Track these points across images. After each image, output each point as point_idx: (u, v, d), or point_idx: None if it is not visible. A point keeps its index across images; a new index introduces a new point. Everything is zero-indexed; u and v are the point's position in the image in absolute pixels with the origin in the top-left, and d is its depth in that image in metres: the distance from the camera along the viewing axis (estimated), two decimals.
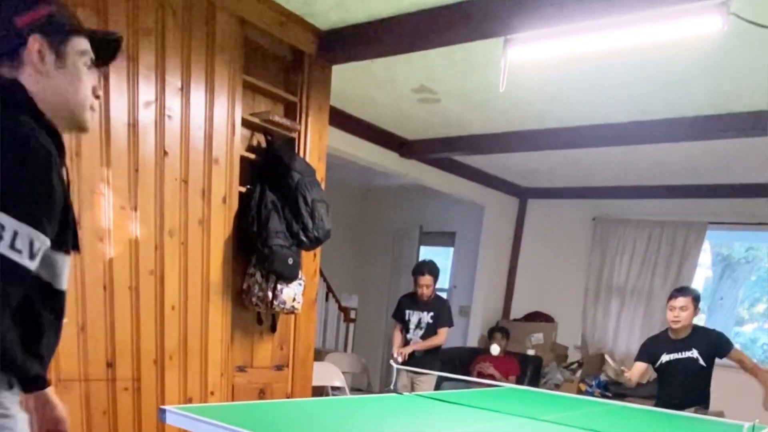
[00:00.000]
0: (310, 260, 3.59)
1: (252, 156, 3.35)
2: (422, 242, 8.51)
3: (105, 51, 1.50)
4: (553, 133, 5.12)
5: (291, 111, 3.59)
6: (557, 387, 6.64)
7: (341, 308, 7.52)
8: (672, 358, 4.30)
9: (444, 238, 8.67)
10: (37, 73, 1.36)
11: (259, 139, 3.45)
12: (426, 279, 5.07)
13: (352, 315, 7.53)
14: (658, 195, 6.80)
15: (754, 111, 4.22)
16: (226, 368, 3.18)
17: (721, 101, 4.15)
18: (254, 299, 3.20)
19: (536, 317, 7.61)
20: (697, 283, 6.74)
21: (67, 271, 1.43)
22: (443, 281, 9.08)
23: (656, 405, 4.39)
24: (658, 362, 4.37)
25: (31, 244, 1.24)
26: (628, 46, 3.23)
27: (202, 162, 3.05)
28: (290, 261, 3.16)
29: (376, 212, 9.09)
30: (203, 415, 2.01)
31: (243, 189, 3.26)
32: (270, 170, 3.28)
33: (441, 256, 9.11)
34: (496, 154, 5.90)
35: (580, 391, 6.33)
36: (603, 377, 6.91)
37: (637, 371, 4.45)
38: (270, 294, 3.18)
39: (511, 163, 6.54)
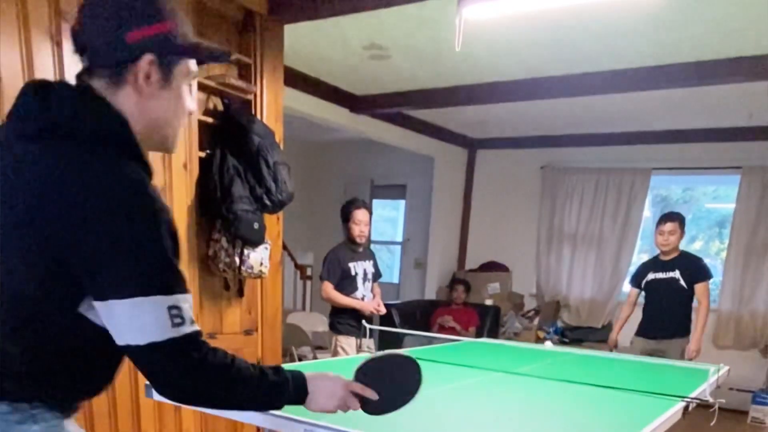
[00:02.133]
0: (274, 223, 3.60)
1: (210, 120, 3.30)
2: (373, 196, 8.57)
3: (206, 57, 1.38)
4: (503, 86, 5.17)
5: (245, 73, 3.53)
6: (516, 335, 6.87)
7: (297, 266, 7.55)
8: (656, 277, 4.64)
9: (395, 191, 8.75)
10: (138, 94, 1.24)
11: (216, 102, 3.40)
12: (364, 214, 4.37)
13: (308, 272, 7.58)
14: (604, 143, 6.97)
15: (695, 61, 4.36)
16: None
17: (664, 52, 4.26)
18: (221, 265, 3.21)
19: (491, 267, 7.78)
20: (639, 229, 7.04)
21: None
22: (394, 234, 9.21)
23: (639, 327, 4.72)
24: (644, 281, 4.70)
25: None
26: (576, 3, 3.28)
27: None
28: (256, 225, 3.17)
29: (326, 167, 9.06)
30: None
31: (203, 154, 3.23)
32: (229, 134, 3.25)
33: (392, 208, 9.21)
34: (445, 107, 5.96)
35: (538, 338, 6.60)
36: (560, 323, 7.22)
37: (630, 300, 4.87)
38: (237, 259, 3.19)
39: (461, 115, 6.59)
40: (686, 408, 2.37)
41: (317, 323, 6.04)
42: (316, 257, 7.68)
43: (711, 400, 2.43)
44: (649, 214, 7.28)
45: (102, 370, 1.32)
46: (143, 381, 2.11)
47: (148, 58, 1.21)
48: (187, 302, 1.21)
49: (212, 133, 3.31)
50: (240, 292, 3.50)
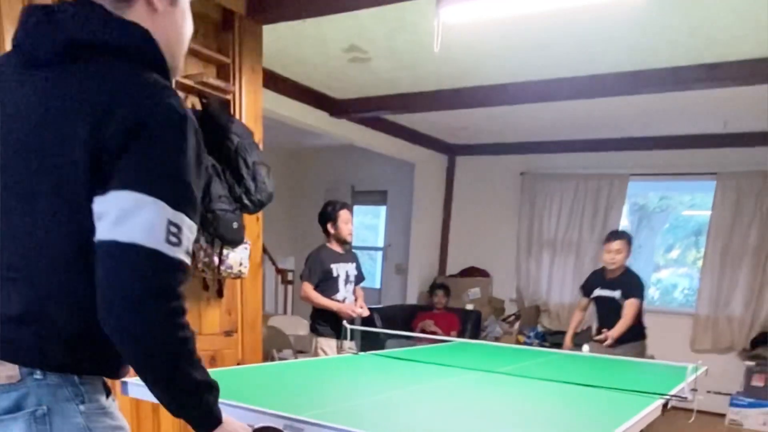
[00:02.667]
0: (254, 223, 3.57)
1: None
2: (354, 201, 8.57)
3: None
4: (482, 91, 5.20)
5: (224, 73, 3.51)
6: (497, 339, 6.90)
7: (278, 270, 7.53)
8: (601, 294, 4.78)
9: (376, 196, 8.76)
10: (151, 11, 1.21)
11: (194, 102, 3.38)
12: (348, 213, 4.36)
13: (290, 277, 7.55)
14: (582, 148, 7.04)
15: (671, 67, 4.41)
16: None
17: (641, 58, 4.31)
18: (200, 265, 3.17)
19: (472, 272, 7.82)
20: None
21: None
22: (375, 240, 9.21)
23: (595, 333, 4.83)
24: (592, 295, 4.85)
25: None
26: (555, 8, 3.31)
27: None
28: (235, 225, 3.14)
29: (307, 173, 9.07)
30: None
31: None
32: (208, 134, 3.19)
33: (373, 216, 9.21)
34: (425, 112, 5.97)
35: (518, 342, 6.63)
36: (540, 328, 7.26)
37: (580, 306, 5.03)
38: (216, 259, 3.16)
39: (440, 121, 6.62)
40: (665, 405, 2.40)
41: (299, 327, 6.01)
42: (297, 262, 7.67)
43: (689, 397, 2.45)
44: (627, 222, 7.35)
45: None
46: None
47: None
48: (191, 231, 1.14)
49: None
50: (219, 293, 3.47)
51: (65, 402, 1.15)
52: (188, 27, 1.31)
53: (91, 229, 1.09)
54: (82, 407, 1.17)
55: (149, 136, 1.09)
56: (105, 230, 1.07)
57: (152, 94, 1.12)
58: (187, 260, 1.14)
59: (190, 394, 1.20)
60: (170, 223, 1.09)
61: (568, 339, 5.05)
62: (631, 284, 4.72)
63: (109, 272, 1.07)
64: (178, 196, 1.11)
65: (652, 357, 4.63)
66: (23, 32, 1.20)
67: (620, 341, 4.57)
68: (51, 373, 1.15)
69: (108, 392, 1.26)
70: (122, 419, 1.29)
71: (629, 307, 4.64)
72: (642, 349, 4.70)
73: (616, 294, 4.69)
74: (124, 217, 1.06)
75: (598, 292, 4.82)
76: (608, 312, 4.72)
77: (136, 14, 1.19)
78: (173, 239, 1.09)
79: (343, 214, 4.33)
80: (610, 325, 4.64)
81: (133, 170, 1.08)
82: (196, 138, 1.16)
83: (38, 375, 1.14)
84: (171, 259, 1.10)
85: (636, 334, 4.69)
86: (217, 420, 1.25)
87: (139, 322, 1.09)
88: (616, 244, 4.66)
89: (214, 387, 1.24)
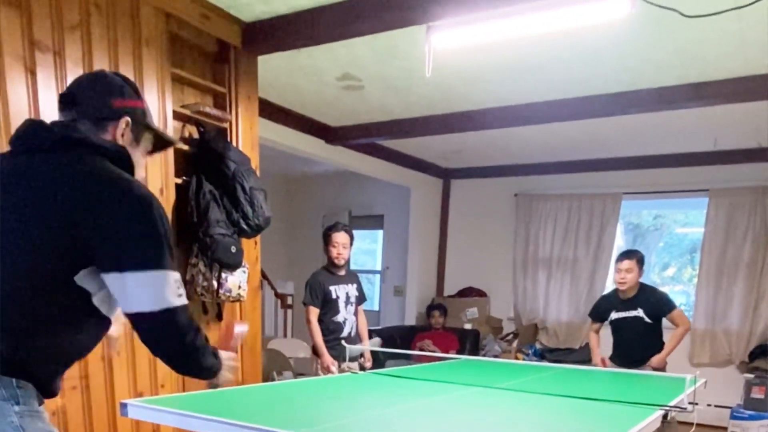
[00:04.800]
0: (251, 248, 3.64)
1: (185, 147, 3.37)
2: (352, 226, 8.59)
3: (159, 145, 1.80)
4: (474, 115, 5.28)
5: (221, 102, 3.61)
6: (496, 358, 6.91)
7: (277, 295, 7.56)
8: (620, 317, 4.64)
9: (373, 221, 8.82)
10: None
11: (191, 130, 3.47)
12: (343, 237, 4.37)
13: (289, 301, 7.58)
14: (575, 169, 7.12)
15: (657, 87, 4.49)
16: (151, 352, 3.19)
17: (627, 79, 4.39)
18: (199, 289, 3.23)
19: (469, 293, 7.86)
20: (612, 253, 7.15)
21: None
22: (373, 264, 9.25)
23: (612, 359, 4.73)
24: (609, 319, 4.72)
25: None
26: (543, 31, 3.40)
27: None
28: (233, 249, 3.21)
29: (305, 199, 9.15)
30: (167, 405, 2.04)
31: (179, 180, 3.28)
32: (205, 161, 3.31)
33: (371, 239, 9.26)
34: (418, 137, 6.06)
35: (517, 360, 6.63)
36: (538, 346, 7.28)
37: (594, 329, 4.92)
38: (215, 283, 3.22)
39: (434, 145, 6.71)
40: (665, 417, 2.42)
41: (299, 349, 6.05)
42: (296, 287, 7.71)
43: (689, 408, 2.48)
44: (621, 242, 7.42)
45: (83, 339, 1.59)
46: (119, 399, 2.14)
47: (126, 119, 1.63)
48: (180, 278, 1.55)
49: (188, 160, 3.37)
50: (219, 316, 3.52)
51: (1, 401, 1.39)
52: (140, 167, 1.71)
53: (45, 274, 1.45)
54: (16, 408, 1.40)
55: (137, 217, 1.47)
56: (137, 304, 1.48)
57: (128, 181, 1.53)
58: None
59: (211, 370, 1.70)
60: (176, 281, 1.52)
61: (598, 358, 4.82)
62: (657, 299, 4.61)
63: (154, 333, 1.54)
64: (172, 261, 1.52)
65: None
66: (20, 133, 1.61)
67: (643, 362, 4.51)
68: None
69: (41, 401, 1.52)
70: (53, 427, 1.55)
71: (679, 318, 4.56)
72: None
73: (639, 312, 4.56)
74: (147, 291, 1.47)
75: (615, 315, 4.67)
76: (633, 334, 4.58)
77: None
78: (181, 291, 1.54)
79: (336, 236, 4.36)
80: (637, 348, 4.55)
81: (138, 250, 1.46)
82: (164, 211, 1.56)
83: None
84: (185, 305, 1.55)
85: (660, 347, 4.59)
86: (219, 369, 1.74)
87: (185, 349, 1.58)
88: (626, 264, 4.54)
89: (216, 354, 1.71)
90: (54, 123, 1.60)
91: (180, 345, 1.54)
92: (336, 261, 4.37)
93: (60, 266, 1.45)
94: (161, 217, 1.51)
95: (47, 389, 1.53)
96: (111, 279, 1.46)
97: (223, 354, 1.76)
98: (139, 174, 1.67)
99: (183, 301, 1.53)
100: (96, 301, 1.52)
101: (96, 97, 1.61)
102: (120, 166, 1.56)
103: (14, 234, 1.44)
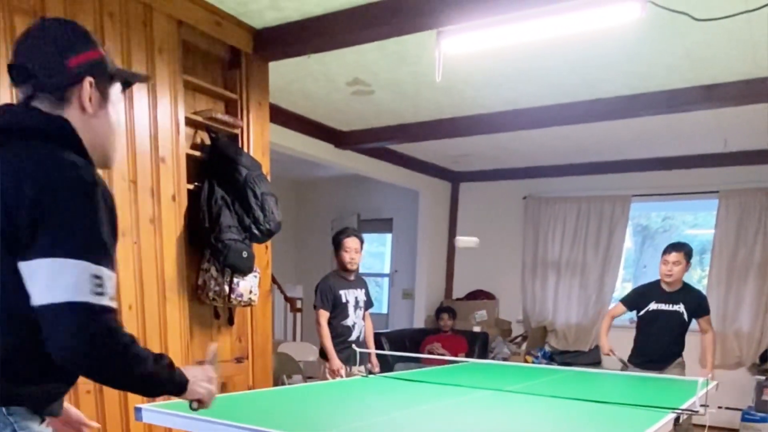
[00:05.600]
0: (263, 252, 3.66)
1: (197, 153, 3.40)
2: (361, 230, 8.63)
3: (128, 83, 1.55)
4: (483, 119, 5.29)
5: (232, 108, 3.64)
6: (505, 360, 6.91)
7: (287, 299, 7.59)
8: (660, 308, 4.53)
9: (382, 224, 8.84)
10: (82, 113, 1.39)
11: (203, 137, 3.50)
12: (355, 242, 4.40)
13: (298, 305, 7.61)
14: (583, 172, 7.12)
15: (667, 90, 4.49)
16: (187, 363, 3.20)
17: (637, 82, 4.39)
18: (211, 294, 3.25)
19: (478, 295, 7.87)
20: (621, 255, 7.16)
21: None
22: (382, 268, 9.27)
23: (631, 355, 4.66)
24: (645, 309, 4.59)
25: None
26: (552, 36, 3.40)
27: (149, 162, 3.09)
28: (244, 254, 3.23)
29: (314, 203, 9.18)
30: (179, 410, 2.04)
31: (191, 186, 3.31)
32: (217, 167, 3.34)
33: (380, 244, 9.28)
34: (428, 141, 6.08)
35: (527, 363, 6.63)
36: (547, 348, 7.27)
37: (615, 313, 4.81)
38: (227, 288, 3.24)
39: (443, 149, 6.72)
40: (677, 420, 2.42)
41: (308, 353, 6.05)
42: (305, 290, 7.75)
43: (701, 411, 2.47)
44: (630, 245, 7.40)
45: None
46: (133, 404, 2.16)
47: (88, 80, 1.38)
48: (111, 280, 1.29)
49: (200, 166, 3.40)
50: (230, 321, 3.54)
51: None
52: (115, 129, 1.48)
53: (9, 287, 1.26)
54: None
55: (62, 205, 1.25)
56: (39, 296, 1.24)
57: (60, 167, 1.28)
58: (114, 305, 1.30)
59: (154, 383, 1.40)
60: (94, 276, 1.25)
61: (605, 346, 4.69)
62: (700, 300, 4.54)
63: (53, 330, 1.25)
64: (97, 254, 1.27)
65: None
66: None
67: (673, 356, 4.47)
68: None
69: (42, 419, 1.37)
70: None
71: (709, 323, 4.51)
72: (683, 364, 4.57)
73: (680, 308, 4.46)
74: (53, 280, 1.22)
75: (654, 306, 4.53)
76: (666, 330, 4.48)
77: (71, 114, 1.39)
78: (98, 290, 1.25)
79: (348, 242, 4.39)
80: (663, 343, 4.48)
81: (53, 238, 1.23)
82: (107, 203, 1.31)
83: None
84: (100, 306, 1.25)
85: (678, 353, 4.54)
86: (183, 383, 1.45)
87: (94, 362, 1.28)
88: (674, 256, 4.44)
89: (165, 365, 1.41)
90: (4, 108, 1.41)
91: (94, 346, 1.26)
92: (349, 266, 4.39)
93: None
94: (96, 204, 1.28)
95: (40, 407, 1.37)
96: (22, 269, 1.25)
97: (194, 368, 1.52)
98: (116, 133, 1.48)
99: (101, 300, 1.26)
100: None
101: (49, 63, 1.36)
102: (63, 141, 1.34)
103: None
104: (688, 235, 7.87)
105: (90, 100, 1.39)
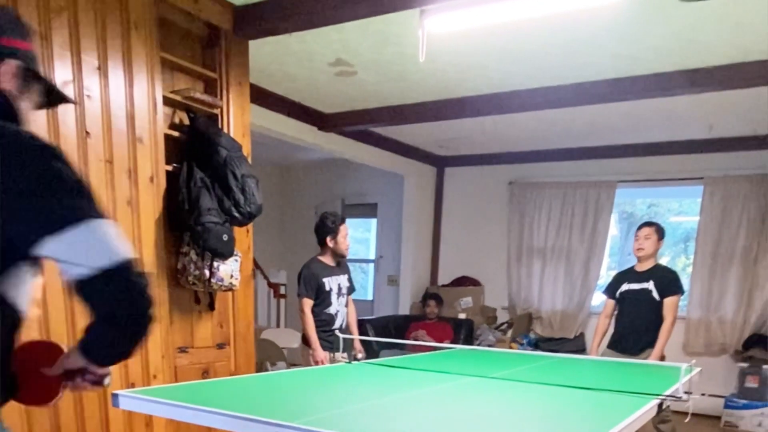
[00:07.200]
0: (244, 236, 3.59)
1: (176, 134, 3.31)
2: (345, 215, 8.59)
3: (52, 100, 1.50)
4: (468, 102, 5.24)
5: (211, 87, 3.56)
6: (490, 347, 6.90)
7: (270, 284, 7.52)
8: (630, 288, 4.53)
9: (366, 209, 8.79)
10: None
11: (182, 116, 3.41)
12: (347, 229, 4.38)
13: (282, 291, 7.56)
14: (569, 157, 7.10)
15: (654, 73, 4.45)
16: (167, 350, 3.16)
17: (625, 65, 4.35)
18: (190, 278, 3.18)
19: (463, 282, 7.85)
20: (606, 241, 7.15)
21: None
22: (366, 252, 9.22)
23: (611, 340, 4.63)
24: (618, 291, 4.60)
25: None
26: (538, 15, 3.35)
27: (126, 141, 2.99)
28: (225, 237, 3.16)
29: (297, 187, 9.10)
30: (159, 396, 2.00)
31: (170, 168, 3.22)
32: (196, 148, 3.26)
33: (364, 228, 9.22)
34: (413, 124, 6.01)
35: (512, 350, 6.62)
36: (532, 335, 7.27)
37: (606, 311, 4.76)
38: (207, 272, 3.17)
39: (428, 133, 6.66)
40: (660, 406, 2.40)
41: (292, 340, 6.01)
42: (289, 276, 7.69)
43: (684, 398, 2.45)
44: (616, 231, 7.39)
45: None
46: (110, 390, 2.09)
47: (13, 63, 1.33)
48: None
49: (179, 147, 3.31)
50: (211, 306, 3.47)
51: None
52: (30, 119, 1.42)
53: None
54: None
55: (40, 173, 1.19)
56: (89, 261, 1.17)
57: (15, 137, 1.23)
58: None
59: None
60: (116, 229, 1.22)
61: (595, 349, 4.71)
62: (667, 277, 4.47)
63: (114, 294, 1.19)
64: (97, 208, 1.22)
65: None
66: None
67: (646, 344, 4.39)
68: None
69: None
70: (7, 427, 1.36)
71: (670, 307, 4.38)
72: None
73: (649, 285, 4.42)
74: (91, 245, 1.17)
75: (626, 286, 4.56)
76: (638, 308, 4.46)
77: None
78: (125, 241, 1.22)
79: (343, 228, 4.34)
80: (635, 323, 4.44)
81: (61, 206, 1.18)
82: (64, 159, 1.25)
83: None
84: (133, 257, 1.21)
85: (654, 337, 4.42)
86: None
87: (141, 310, 1.22)
88: (645, 230, 4.46)
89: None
90: None
91: (143, 305, 1.23)
92: (347, 253, 4.40)
93: None
94: (67, 162, 1.23)
95: None
96: (45, 249, 1.18)
97: None
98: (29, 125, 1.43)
99: (132, 253, 1.22)
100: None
101: None
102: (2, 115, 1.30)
103: None
104: (673, 222, 7.90)
105: (9, 81, 1.33)
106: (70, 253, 1.16)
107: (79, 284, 1.18)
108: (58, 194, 1.19)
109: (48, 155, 1.22)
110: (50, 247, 1.16)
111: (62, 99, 1.56)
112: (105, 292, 1.18)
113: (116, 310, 1.20)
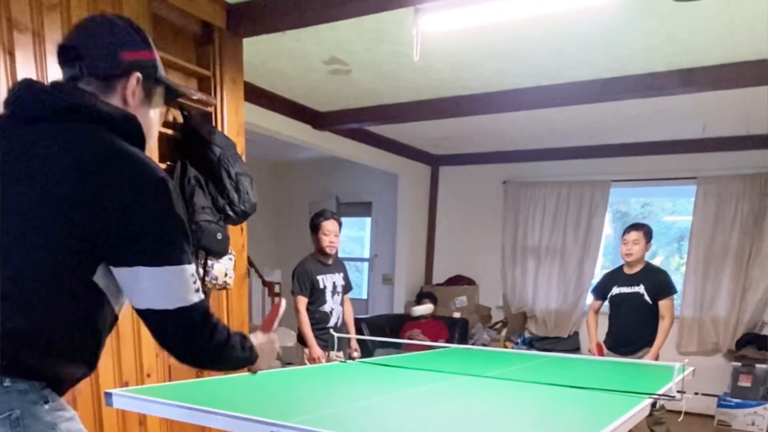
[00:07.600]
0: (238, 234, 3.58)
1: (170, 132, 3.29)
2: (340, 214, 8.56)
3: (170, 96, 1.60)
4: (463, 101, 5.23)
5: (205, 85, 3.53)
6: (485, 346, 6.90)
7: (265, 283, 7.50)
8: (621, 292, 4.54)
9: (360, 208, 8.78)
10: (124, 105, 1.45)
11: (175, 114, 3.39)
12: (333, 225, 4.30)
13: (277, 289, 7.53)
14: (563, 156, 7.10)
15: (648, 73, 4.45)
16: (161, 349, 3.13)
17: (619, 65, 4.35)
18: None
19: (458, 281, 7.85)
20: (600, 240, 7.16)
21: None
22: (361, 251, 9.21)
23: (606, 341, 4.64)
24: (610, 294, 4.61)
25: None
26: (532, 15, 3.34)
27: None
28: (219, 236, 3.15)
29: (292, 186, 9.08)
30: (153, 395, 2.01)
31: (164, 166, 3.20)
32: (190, 146, 3.24)
33: (359, 226, 9.21)
34: (407, 123, 6.01)
35: (506, 349, 6.63)
36: (527, 334, 7.28)
37: (593, 309, 4.78)
38: (201, 270, 3.16)
39: (423, 131, 6.65)
40: (654, 404, 2.41)
41: (287, 338, 5.97)
42: (283, 274, 7.65)
43: (677, 396, 2.46)
44: (610, 231, 7.41)
45: (99, 340, 1.45)
46: (104, 389, 2.09)
47: (136, 75, 1.44)
48: (195, 271, 1.41)
49: (173, 145, 3.30)
50: None
51: (33, 405, 1.31)
52: (152, 128, 1.55)
53: (65, 265, 1.31)
54: (46, 407, 1.33)
55: (153, 211, 1.32)
56: (149, 301, 1.35)
57: (143, 170, 1.34)
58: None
59: (240, 363, 1.60)
60: (192, 275, 1.38)
61: (594, 344, 4.70)
62: (659, 279, 4.46)
63: (173, 333, 1.40)
64: (189, 251, 1.37)
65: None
66: (18, 96, 1.42)
67: (640, 347, 4.40)
68: (19, 381, 1.30)
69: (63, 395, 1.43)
70: (71, 410, 1.44)
71: (667, 308, 4.39)
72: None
73: (639, 289, 4.43)
74: (163, 289, 1.33)
75: (616, 290, 4.56)
76: (630, 312, 4.47)
77: (114, 101, 1.44)
78: (197, 286, 1.39)
79: (326, 224, 4.29)
80: (631, 327, 4.44)
81: (154, 245, 1.32)
82: (177, 192, 1.39)
83: (7, 383, 1.29)
84: (202, 301, 1.40)
85: (653, 341, 4.44)
86: (254, 360, 1.63)
87: (207, 348, 1.44)
88: (633, 235, 4.45)
89: (249, 347, 1.59)
90: (54, 85, 1.42)
91: (201, 344, 1.41)
92: (328, 250, 4.30)
93: (73, 262, 1.31)
94: (178, 202, 1.36)
95: (59, 386, 1.40)
96: (122, 273, 1.32)
97: (263, 338, 1.70)
98: (152, 135, 1.54)
99: (200, 296, 1.38)
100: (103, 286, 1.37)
101: (102, 50, 1.42)
102: (130, 138, 1.38)
103: (20, 230, 1.29)
104: (667, 221, 7.92)
105: (133, 94, 1.45)
106: (156, 287, 1.33)
107: (138, 312, 1.37)
108: (168, 232, 1.33)
109: (165, 190, 1.34)
110: (138, 275, 1.31)
111: (180, 94, 1.65)
112: (161, 329, 1.39)
113: (172, 346, 1.42)
